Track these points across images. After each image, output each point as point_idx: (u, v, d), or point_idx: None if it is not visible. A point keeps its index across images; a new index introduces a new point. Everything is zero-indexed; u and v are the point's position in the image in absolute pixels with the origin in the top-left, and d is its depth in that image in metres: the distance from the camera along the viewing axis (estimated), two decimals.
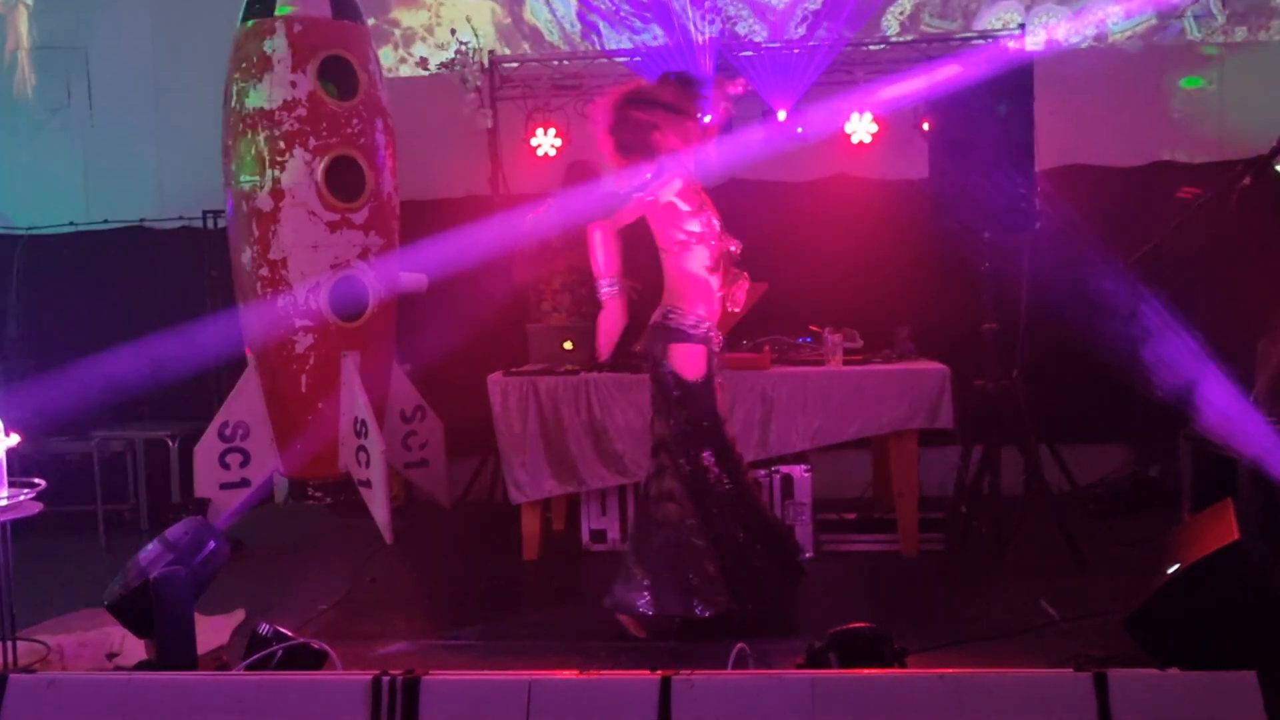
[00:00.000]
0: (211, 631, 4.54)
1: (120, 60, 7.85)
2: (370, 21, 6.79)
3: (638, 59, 7.00)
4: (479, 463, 7.23)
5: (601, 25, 7.35)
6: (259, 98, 6.12)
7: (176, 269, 7.60)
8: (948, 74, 5.64)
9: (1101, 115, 7.07)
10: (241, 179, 6.20)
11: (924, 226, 5.85)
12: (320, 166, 6.12)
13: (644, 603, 4.48)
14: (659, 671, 3.10)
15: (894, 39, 7.17)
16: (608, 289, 4.43)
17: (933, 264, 6.54)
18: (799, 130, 6.88)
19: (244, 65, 6.19)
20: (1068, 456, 6.71)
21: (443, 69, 7.51)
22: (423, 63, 7.57)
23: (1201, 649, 3.55)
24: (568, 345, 5.97)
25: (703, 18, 6.83)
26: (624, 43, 7.33)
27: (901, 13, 7.35)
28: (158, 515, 6.63)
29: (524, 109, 7.30)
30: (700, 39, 6.80)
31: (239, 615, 4.90)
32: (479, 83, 7.23)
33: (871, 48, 7.11)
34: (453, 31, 7.59)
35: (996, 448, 5.47)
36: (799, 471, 5.71)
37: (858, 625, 3.59)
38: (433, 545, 6.31)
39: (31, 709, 3.20)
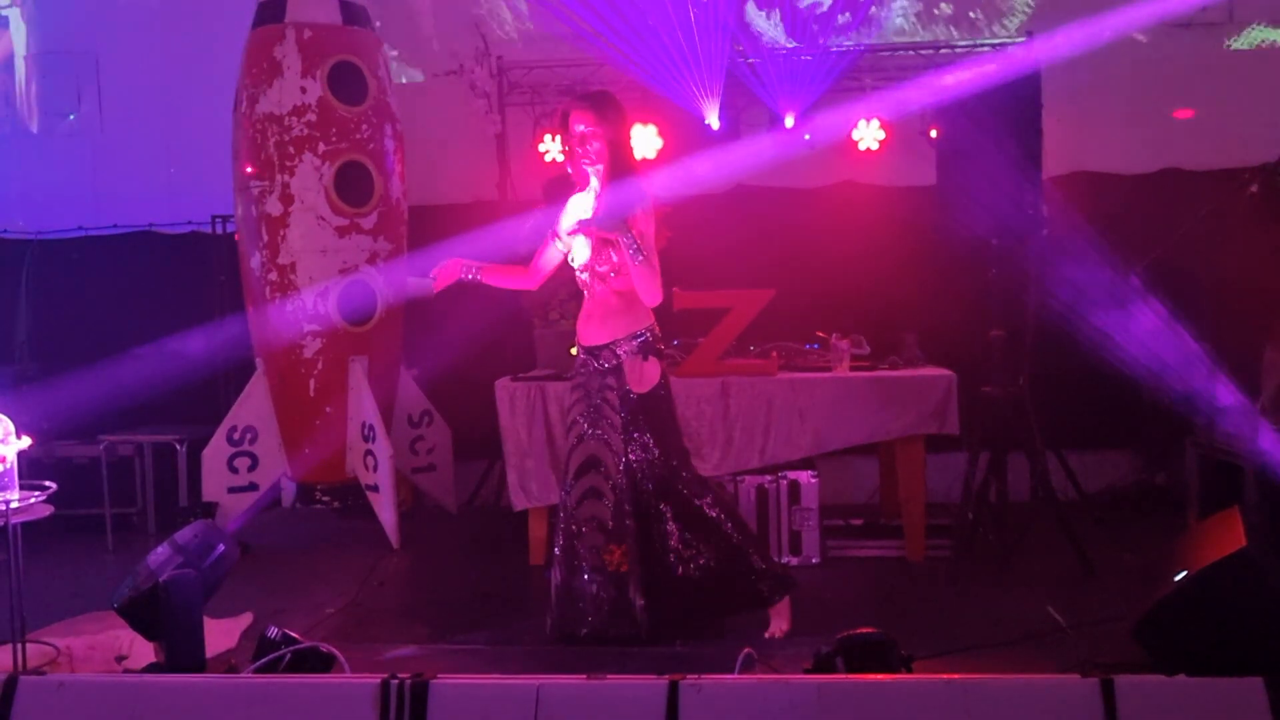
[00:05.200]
0: (220, 634, 4.55)
1: (130, 66, 7.87)
2: None
3: (644, 64, 7.01)
4: (486, 467, 7.24)
5: None
6: (269, 103, 6.15)
7: (185, 274, 7.62)
8: (955, 81, 5.66)
9: (1109, 122, 7.07)
10: (251, 184, 6.22)
11: (931, 233, 5.86)
12: (329, 172, 6.14)
13: None
14: (666, 676, 3.11)
15: (902, 46, 7.17)
16: None
17: (940, 271, 6.55)
18: (806, 137, 6.89)
19: (254, 71, 6.22)
20: (1074, 463, 6.71)
21: (451, 75, 7.52)
22: (431, 68, 7.59)
23: (1209, 656, 3.55)
24: (575, 351, 5.97)
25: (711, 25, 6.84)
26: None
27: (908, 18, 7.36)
28: (165, 519, 6.65)
29: (532, 114, 7.32)
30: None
31: (247, 618, 4.91)
32: (487, 88, 7.25)
33: (880, 54, 7.12)
34: (460, 37, 7.60)
35: (1003, 454, 5.47)
36: (806, 477, 5.72)
37: (864, 631, 3.59)
38: (439, 550, 6.32)
39: (41, 711, 3.21)
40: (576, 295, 6.63)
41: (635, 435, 4.53)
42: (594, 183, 4.54)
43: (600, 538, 4.56)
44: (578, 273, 4.61)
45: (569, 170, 4.65)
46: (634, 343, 4.54)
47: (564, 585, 4.63)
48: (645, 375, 4.54)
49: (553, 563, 4.71)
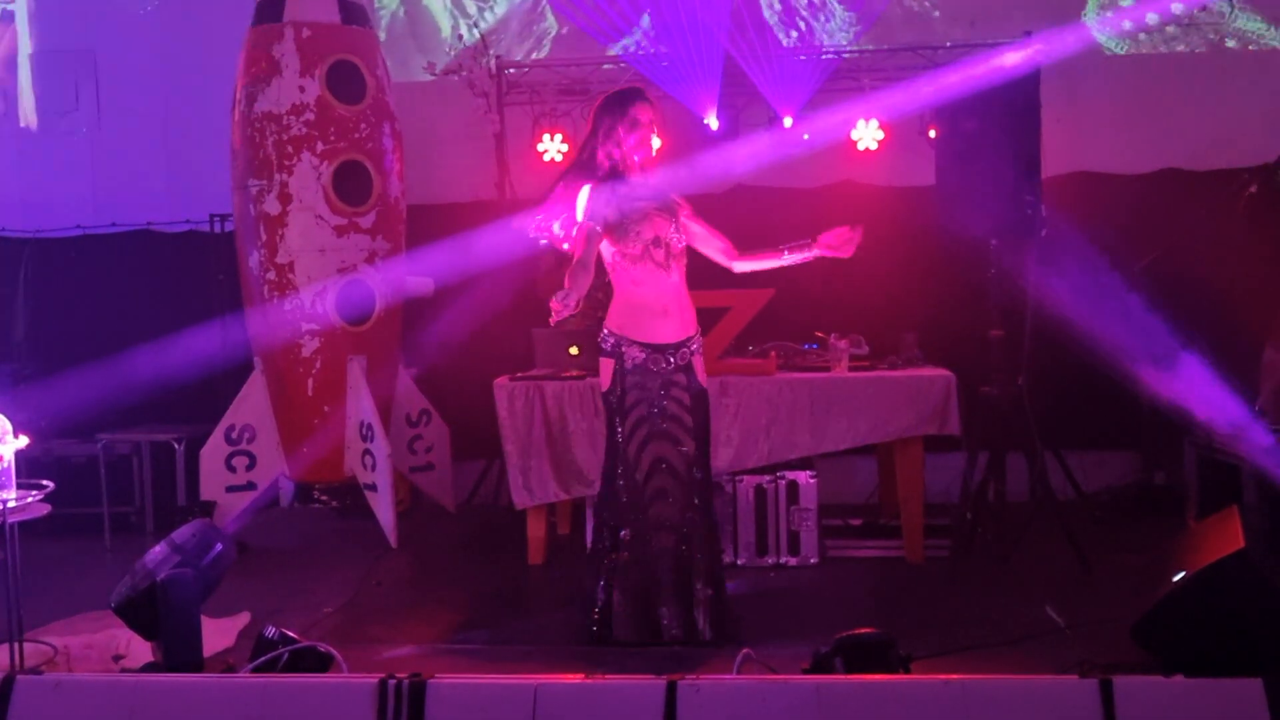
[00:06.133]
0: (218, 634, 4.54)
1: (128, 64, 7.86)
2: None
3: (642, 63, 7.00)
4: (484, 467, 7.24)
5: None
6: (267, 102, 6.14)
7: (183, 273, 7.62)
8: (954, 81, 5.65)
9: (1108, 122, 7.07)
10: (249, 183, 6.22)
11: (930, 233, 5.86)
12: (328, 171, 6.14)
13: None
14: (664, 676, 3.11)
15: (901, 46, 7.16)
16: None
17: (939, 271, 6.54)
18: (805, 137, 6.89)
19: (252, 70, 6.21)
20: (1073, 463, 6.71)
21: (450, 74, 7.51)
22: (430, 67, 7.58)
23: (1207, 656, 3.55)
24: (574, 350, 5.98)
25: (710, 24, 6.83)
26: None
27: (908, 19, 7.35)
28: (163, 518, 6.65)
29: (531, 114, 7.32)
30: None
31: (245, 618, 4.90)
32: (486, 88, 7.25)
33: (878, 54, 7.11)
34: (460, 37, 7.60)
35: (1002, 454, 5.48)
36: (804, 478, 5.72)
37: (863, 631, 3.60)
38: (438, 549, 6.31)
39: (38, 711, 3.21)
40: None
41: (702, 433, 4.59)
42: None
43: (672, 539, 4.53)
44: (649, 248, 4.48)
45: (631, 156, 4.58)
46: (701, 338, 4.63)
47: (635, 589, 4.52)
48: (703, 369, 4.65)
49: (613, 568, 4.55)
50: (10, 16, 8.07)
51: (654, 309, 4.52)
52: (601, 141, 4.55)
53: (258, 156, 6.17)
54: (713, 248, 4.70)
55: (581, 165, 4.61)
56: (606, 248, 4.51)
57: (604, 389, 4.59)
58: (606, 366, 4.57)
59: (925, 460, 5.72)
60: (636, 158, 4.56)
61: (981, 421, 5.50)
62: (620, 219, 4.48)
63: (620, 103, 4.56)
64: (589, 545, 4.76)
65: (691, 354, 4.57)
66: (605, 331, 4.60)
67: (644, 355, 4.52)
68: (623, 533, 4.54)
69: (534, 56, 7.58)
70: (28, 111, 8.02)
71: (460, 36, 7.59)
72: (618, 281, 4.58)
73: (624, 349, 4.53)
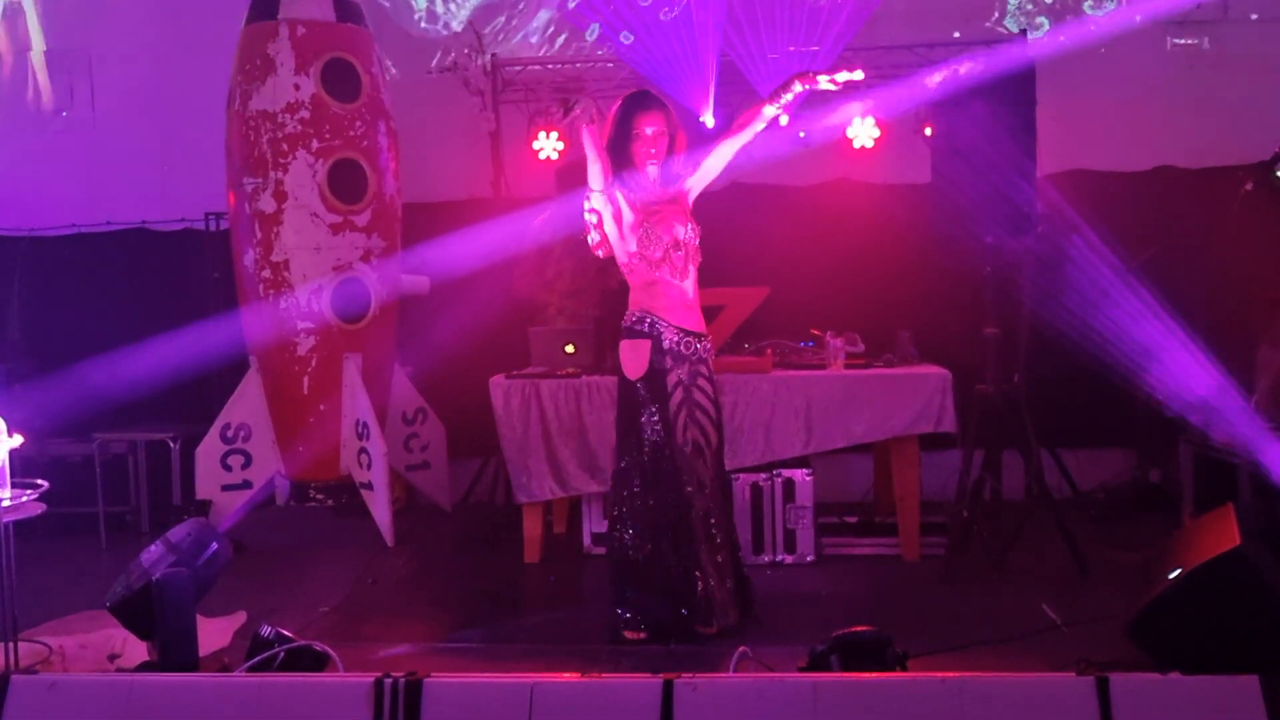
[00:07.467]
0: (213, 633, 4.54)
1: (123, 62, 7.84)
2: None
3: (639, 61, 6.99)
4: (480, 465, 7.24)
5: None
6: (262, 100, 6.13)
7: (178, 271, 7.60)
8: (950, 78, 5.65)
9: (1103, 120, 7.07)
10: (244, 181, 6.21)
11: (926, 231, 5.85)
12: (323, 169, 6.13)
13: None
14: (661, 674, 3.11)
15: (897, 45, 7.15)
16: None
17: (934, 268, 6.52)
18: (801, 134, 6.87)
19: (247, 67, 6.20)
20: (1069, 461, 6.71)
21: (446, 72, 7.50)
22: (427, 66, 7.57)
23: (1203, 654, 3.55)
24: (569, 349, 5.99)
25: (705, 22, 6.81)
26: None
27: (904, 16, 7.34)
28: (159, 517, 6.63)
29: (526, 112, 7.30)
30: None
31: (241, 617, 4.90)
32: (482, 86, 7.23)
33: (874, 51, 7.10)
34: (457, 35, 7.59)
35: (998, 452, 5.47)
36: (800, 475, 5.71)
37: (859, 629, 3.60)
38: (434, 548, 6.31)
39: (33, 711, 3.21)
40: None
41: (722, 423, 4.67)
42: (652, 171, 4.57)
43: (709, 529, 4.57)
44: (669, 252, 4.50)
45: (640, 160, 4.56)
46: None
47: (682, 580, 4.50)
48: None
49: (695, 557, 4.52)
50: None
51: (677, 301, 4.55)
52: (611, 154, 4.55)
53: (253, 154, 6.16)
54: (720, 157, 4.69)
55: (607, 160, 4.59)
56: (623, 249, 4.54)
57: (639, 373, 4.47)
58: (641, 347, 4.48)
59: (921, 458, 5.73)
60: (649, 166, 4.56)
61: (977, 419, 5.50)
62: (642, 224, 4.49)
63: (624, 114, 4.56)
64: (673, 548, 4.52)
65: (708, 349, 4.64)
66: (636, 315, 4.54)
67: (678, 336, 4.52)
68: (696, 521, 4.53)
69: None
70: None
71: (457, 35, 7.56)
72: (638, 279, 4.58)
73: (660, 328, 4.51)
